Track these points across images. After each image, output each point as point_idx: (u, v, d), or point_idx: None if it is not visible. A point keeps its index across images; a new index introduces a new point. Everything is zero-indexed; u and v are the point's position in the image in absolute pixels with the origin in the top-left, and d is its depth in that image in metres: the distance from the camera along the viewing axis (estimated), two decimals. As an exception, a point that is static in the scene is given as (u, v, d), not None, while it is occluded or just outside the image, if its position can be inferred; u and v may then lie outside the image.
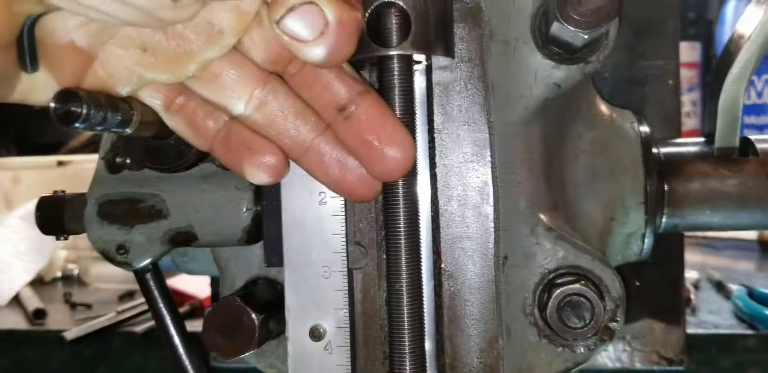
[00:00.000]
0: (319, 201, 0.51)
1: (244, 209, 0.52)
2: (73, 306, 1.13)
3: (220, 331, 0.49)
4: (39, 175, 1.51)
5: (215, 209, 0.52)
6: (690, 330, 0.84)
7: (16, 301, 1.16)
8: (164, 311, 0.58)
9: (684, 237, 0.80)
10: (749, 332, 0.90)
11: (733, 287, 1.07)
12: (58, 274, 1.35)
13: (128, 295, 1.17)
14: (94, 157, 0.56)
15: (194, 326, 0.97)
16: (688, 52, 1.89)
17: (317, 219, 0.51)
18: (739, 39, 0.67)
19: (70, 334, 0.93)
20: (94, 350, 0.99)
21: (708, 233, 1.52)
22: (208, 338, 0.49)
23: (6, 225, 1.27)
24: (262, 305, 0.51)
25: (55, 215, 0.55)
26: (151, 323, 0.96)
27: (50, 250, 1.25)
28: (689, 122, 1.82)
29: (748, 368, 0.89)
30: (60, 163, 1.51)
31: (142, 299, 1.07)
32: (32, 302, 1.11)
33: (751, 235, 1.44)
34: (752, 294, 1.01)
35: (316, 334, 0.51)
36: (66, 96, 0.39)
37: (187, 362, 0.55)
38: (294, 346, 0.51)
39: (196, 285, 1.05)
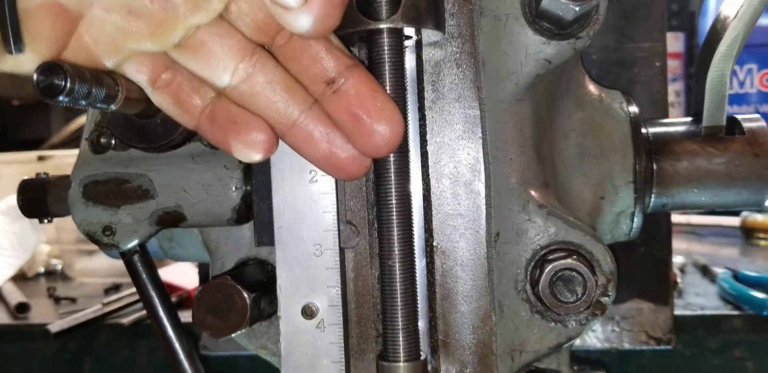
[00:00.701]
0: (310, 179, 0.51)
1: (234, 188, 0.51)
2: (57, 300, 1.11)
3: (212, 310, 0.48)
4: (19, 170, 1.49)
5: (204, 189, 0.51)
6: (677, 312, 0.85)
7: (-1, 296, 1.15)
8: (154, 296, 0.57)
9: (671, 219, 0.81)
10: (735, 312, 0.91)
11: (719, 271, 1.08)
12: (41, 269, 1.33)
13: (114, 288, 1.16)
14: (75, 152, 0.55)
15: (184, 316, 0.97)
16: (672, 42, 1.91)
17: (308, 197, 0.51)
18: (724, 19, 0.67)
19: (55, 327, 0.92)
20: (79, 343, 0.97)
21: (693, 220, 1.53)
22: (199, 318, 0.48)
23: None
24: (253, 285, 0.50)
25: (37, 198, 0.54)
26: (139, 313, 0.95)
27: (33, 245, 1.24)
28: (673, 112, 1.83)
29: (733, 347, 0.90)
30: (40, 158, 1.49)
31: (129, 291, 1.07)
32: (15, 296, 1.09)
33: (734, 221, 1.46)
34: (737, 277, 1.02)
35: (308, 312, 0.50)
36: (50, 69, 0.39)
37: (177, 346, 0.54)
38: (286, 324, 0.50)
39: (184, 276, 1.04)
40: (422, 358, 0.48)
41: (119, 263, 0.58)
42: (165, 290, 0.58)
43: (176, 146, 0.51)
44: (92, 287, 1.20)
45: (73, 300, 1.10)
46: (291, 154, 0.51)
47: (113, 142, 0.53)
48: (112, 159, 0.53)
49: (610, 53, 0.80)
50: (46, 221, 0.55)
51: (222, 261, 0.55)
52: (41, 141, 2.15)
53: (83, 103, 0.41)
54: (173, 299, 1.01)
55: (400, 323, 0.47)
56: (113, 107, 0.44)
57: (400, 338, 0.47)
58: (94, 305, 1.02)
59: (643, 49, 0.81)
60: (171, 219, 0.52)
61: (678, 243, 1.38)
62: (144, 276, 0.56)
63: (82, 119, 2.16)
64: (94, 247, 1.25)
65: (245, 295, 0.48)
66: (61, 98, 0.39)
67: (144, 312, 0.95)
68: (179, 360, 0.56)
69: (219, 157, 0.52)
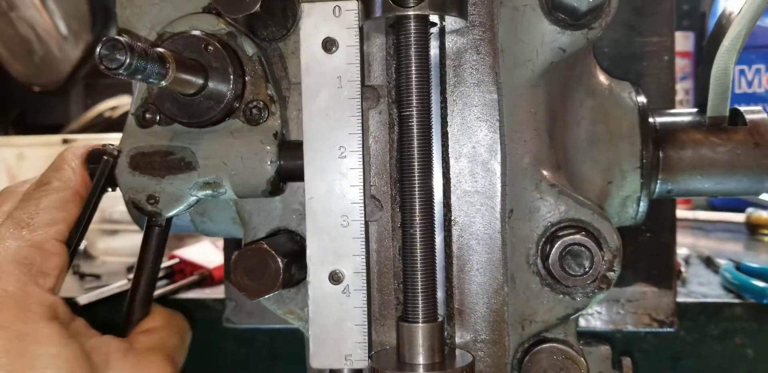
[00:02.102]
0: (339, 155, 0.55)
1: (269, 162, 0.55)
2: (82, 276, 1.15)
3: (248, 272, 0.52)
4: (44, 152, 1.53)
5: (242, 162, 0.55)
6: (680, 299, 0.88)
7: (25, 272, 1.19)
8: (148, 264, 0.60)
9: (676, 205, 0.84)
10: (736, 300, 0.94)
11: (722, 262, 1.11)
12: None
13: (136, 266, 1.19)
14: (100, 136, 0.59)
15: (204, 293, 1.01)
16: (682, 41, 1.93)
17: (337, 171, 0.55)
18: (729, 15, 0.70)
19: (83, 299, 0.96)
20: (104, 317, 1.01)
21: (699, 216, 1.56)
22: (236, 279, 0.52)
23: (14, 200, 1.29)
24: (284, 252, 0.54)
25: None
26: (163, 289, 0.99)
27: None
28: (682, 110, 1.85)
29: (734, 335, 0.93)
30: (65, 142, 1.53)
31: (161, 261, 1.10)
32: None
33: (740, 217, 1.48)
34: (740, 268, 1.05)
35: (335, 278, 0.54)
36: (114, 44, 0.43)
37: (135, 305, 0.59)
38: (314, 289, 0.54)
39: (205, 256, 1.07)
40: (439, 320, 0.52)
41: (140, 243, 0.61)
42: (159, 264, 0.62)
43: (217, 122, 0.56)
44: (115, 265, 1.24)
45: (97, 277, 1.14)
46: (322, 131, 0.55)
47: (158, 117, 0.57)
48: (157, 133, 0.57)
49: (621, 47, 0.83)
50: (109, 189, 0.59)
51: (254, 231, 0.59)
52: (60, 127, 2.20)
53: (139, 77, 0.45)
54: (194, 277, 1.05)
55: (419, 287, 0.51)
56: (163, 83, 0.48)
57: (419, 301, 0.51)
58: (118, 281, 1.06)
59: (652, 44, 0.84)
60: (211, 189, 0.56)
61: (684, 238, 1.41)
62: (152, 246, 0.60)
63: (100, 106, 2.21)
64: (116, 226, 1.30)
65: (279, 259, 0.51)
66: (120, 71, 0.43)
67: (168, 287, 1.00)
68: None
69: (256, 132, 0.56)
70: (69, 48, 2.24)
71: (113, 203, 1.32)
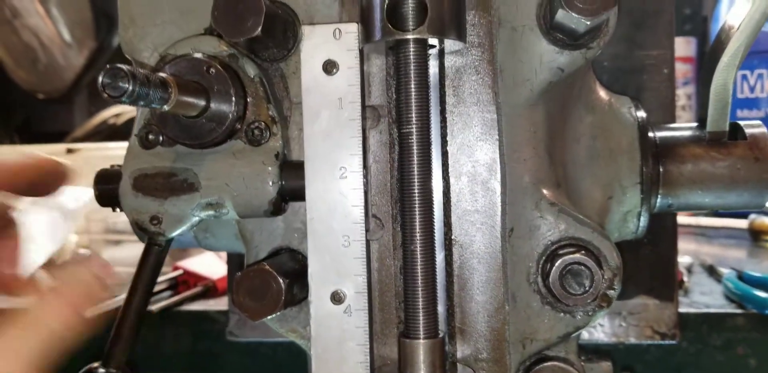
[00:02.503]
0: (340, 175, 0.55)
1: (271, 183, 0.56)
2: (88, 287, 1.16)
3: (250, 294, 0.52)
4: (48, 162, 1.54)
5: (244, 183, 0.56)
6: (682, 309, 0.88)
7: (30, 283, 1.19)
8: (143, 282, 0.61)
9: (677, 218, 0.85)
10: (739, 311, 0.94)
11: (724, 271, 1.11)
12: (68, 258, 1.38)
13: (140, 277, 1.20)
14: (104, 145, 0.59)
15: (208, 305, 1.01)
16: (684, 46, 1.93)
17: (338, 192, 0.55)
18: (729, 29, 0.71)
19: (88, 311, 0.97)
20: (107, 329, 1.02)
21: (701, 222, 1.57)
22: (238, 301, 0.53)
23: (17, 209, 1.30)
24: (286, 272, 0.54)
25: (111, 188, 0.59)
26: (167, 301, 1.00)
27: (64, 234, 1.29)
28: (685, 115, 1.86)
29: (737, 345, 0.93)
30: (69, 151, 1.54)
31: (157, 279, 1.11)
32: (46, 282, 1.14)
33: (742, 224, 1.49)
34: (742, 277, 1.05)
35: (336, 298, 0.55)
36: (115, 72, 0.43)
37: (125, 327, 0.59)
38: (316, 309, 0.55)
39: (209, 267, 1.08)
40: (440, 336, 0.52)
41: None
42: (154, 283, 0.62)
43: (219, 143, 0.56)
44: (119, 276, 1.24)
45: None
46: (323, 152, 0.56)
47: (161, 138, 0.57)
48: (159, 154, 0.57)
49: (621, 61, 0.84)
50: (118, 210, 0.59)
51: (257, 250, 0.59)
52: (64, 134, 2.21)
53: (141, 103, 0.46)
54: (198, 288, 1.06)
55: (420, 303, 0.51)
56: (165, 108, 0.48)
57: (421, 317, 0.52)
58: (122, 292, 1.07)
59: (652, 57, 0.85)
60: (214, 210, 0.56)
61: (686, 244, 1.41)
62: (150, 265, 0.60)
63: (104, 113, 2.22)
64: (120, 237, 1.30)
65: (280, 280, 0.52)
66: (124, 99, 0.44)
67: (172, 299, 1.00)
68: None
69: (258, 153, 0.57)
70: (73, 55, 2.25)
71: (117, 213, 1.32)
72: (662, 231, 0.82)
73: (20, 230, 0.57)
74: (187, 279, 1.07)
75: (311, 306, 0.55)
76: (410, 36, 0.51)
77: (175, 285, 1.07)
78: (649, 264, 0.83)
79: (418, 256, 0.52)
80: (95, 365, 0.58)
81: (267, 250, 0.59)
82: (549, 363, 0.56)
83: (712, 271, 1.16)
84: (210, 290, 1.05)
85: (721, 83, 0.70)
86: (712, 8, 2.13)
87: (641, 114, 0.69)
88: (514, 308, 0.57)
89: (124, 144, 0.60)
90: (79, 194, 1.31)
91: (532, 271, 0.58)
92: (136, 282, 0.58)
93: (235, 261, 0.88)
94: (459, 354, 0.56)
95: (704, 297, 1.02)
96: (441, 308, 0.56)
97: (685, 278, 1.09)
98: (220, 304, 1.01)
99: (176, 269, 1.09)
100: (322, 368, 0.55)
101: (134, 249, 1.29)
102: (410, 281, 0.52)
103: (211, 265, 1.09)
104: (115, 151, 1.51)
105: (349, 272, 0.55)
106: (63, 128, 2.30)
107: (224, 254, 1.12)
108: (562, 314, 0.57)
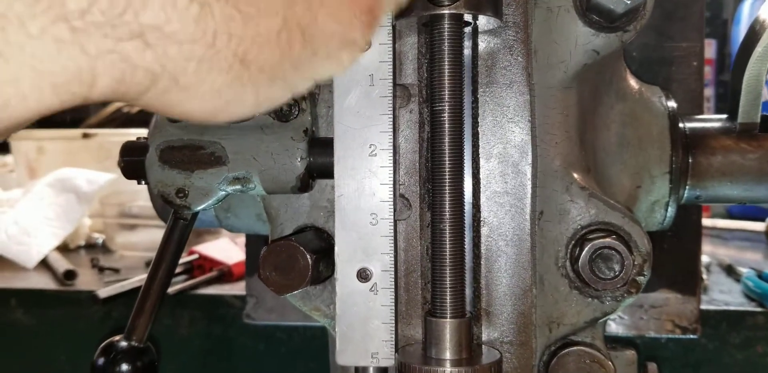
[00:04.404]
0: (370, 153, 0.55)
1: (299, 158, 0.55)
2: (101, 270, 1.16)
3: (276, 268, 0.52)
4: (63, 146, 1.54)
5: (272, 158, 0.55)
6: (702, 306, 0.87)
7: (44, 265, 1.20)
8: (168, 256, 0.59)
9: (702, 212, 0.84)
10: (758, 309, 0.93)
11: (743, 270, 1.10)
12: (82, 242, 1.38)
13: (155, 261, 1.20)
14: (120, 131, 0.58)
15: (223, 290, 1.01)
16: (704, 49, 1.92)
17: (367, 169, 0.55)
18: (763, 21, 0.70)
19: (103, 292, 0.97)
20: (124, 310, 1.02)
21: (717, 224, 1.55)
22: (264, 275, 0.52)
23: (34, 192, 1.30)
24: (312, 249, 0.54)
25: (137, 160, 0.58)
26: (183, 284, 1.00)
27: (77, 216, 1.29)
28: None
29: (756, 343, 0.92)
30: (85, 136, 1.54)
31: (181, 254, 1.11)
32: (61, 264, 1.14)
33: (759, 226, 1.47)
34: (762, 276, 1.04)
35: (363, 276, 0.54)
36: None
37: (150, 300, 0.58)
38: (342, 287, 0.54)
39: (224, 252, 1.08)
40: (467, 316, 0.52)
41: (159, 237, 0.61)
42: (179, 257, 0.61)
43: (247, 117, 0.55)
44: (133, 259, 1.24)
45: (116, 270, 1.15)
46: (352, 129, 0.55)
47: (190, 111, 0.57)
48: (187, 127, 0.57)
49: (650, 51, 0.83)
50: (143, 182, 0.58)
51: (281, 227, 0.59)
52: (80, 121, 2.21)
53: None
54: (213, 273, 1.05)
55: (448, 282, 0.51)
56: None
57: (448, 296, 0.51)
58: (137, 275, 1.07)
59: (681, 49, 0.84)
60: (241, 184, 0.56)
61: (703, 246, 1.40)
62: (175, 239, 0.59)
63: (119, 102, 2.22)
64: (135, 221, 1.30)
65: (308, 255, 0.51)
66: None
67: (187, 283, 1.00)
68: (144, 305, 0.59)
69: (286, 129, 0.56)
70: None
71: (132, 197, 1.32)
72: (687, 224, 0.81)
73: None
74: (203, 264, 1.07)
75: (337, 284, 0.54)
76: (446, 11, 0.50)
77: (191, 269, 1.07)
78: (672, 257, 0.82)
79: (447, 235, 0.51)
80: (117, 338, 0.57)
81: (292, 227, 0.58)
82: (575, 348, 0.55)
83: (730, 270, 1.15)
84: (225, 274, 1.05)
85: (754, 74, 0.69)
86: (733, 11, 2.11)
87: (671, 104, 0.69)
88: (542, 291, 0.57)
89: (140, 131, 0.59)
90: (94, 178, 1.31)
91: (561, 255, 0.57)
92: (161, 257, 0.57)
93: (254, 244, 0.87)
94: (485, 336, 0.55)
95: (723, 295, 1.01)
96: (467, 290, 0.55)
97: (704, 277, 1.08)
98: (236, 289, 1.01)
99: (191, 253, 1.09)
100: (347, 346, 0.54)
101: (149, 234, 1.29)
102: (438, 259, 0.51)
103: (226, 250, 1.09)
104: (131, 138, 1.51)
105: (376, 250, 0.54)
106: (79, 115, 2.30)
107: (240, 240, 1.12)
108: (589, 298, 0.56)
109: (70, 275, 1.08)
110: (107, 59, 0.29)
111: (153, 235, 1.26)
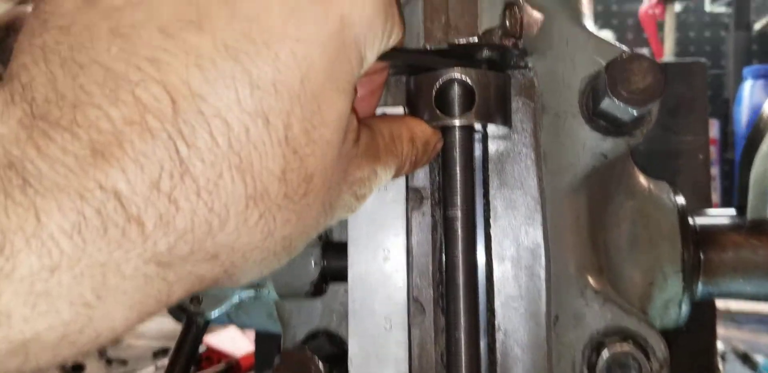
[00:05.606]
0: (383, 257, 0.55)
1: (313, 264, 0.56)
2: (109, 362, 1.14)
3: (289, 378, 0.51)
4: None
5: (287, 263, 0.55)
6: (721, 401, 0.85)
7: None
8: (180, 362, 0.59)
9: (716, 305, 0.83)
10: (780, 403, 0.91)
11: (759, 359, 1.08)
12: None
13: (162, 352, 1.19)
14: None
15: (230, 382, 0.99)
16: (706, 128, 1.95)
17: (381, 274, 0.55)
18: (767, 117, 0.72)
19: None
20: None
21: (731, 307, 1.53)
22: (278, 386, 0.51)
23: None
24: (325, 357, 0.53)
25: None
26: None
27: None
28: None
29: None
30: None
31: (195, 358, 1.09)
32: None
33: (774, 309, 1.45)
34: (780, 366, 1.02)
35: (377, 385, 0.53)
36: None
37: None
38: (356, 396, 0.53)
39: (233, 344, 1.06)
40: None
41: (167, 327, 0.61)
42: (191, 364, 0.61)
43: (263, 223, 0.56)
44: (140, 349, 1.23)
45: (124, 362, 1.13)
46: (366, 234, 0.56)
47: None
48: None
49: (656, 145, 0.84)
50: None
51: (294, 331, 0.58)
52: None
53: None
54: (221, 365, 1.03)
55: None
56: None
57: (465, 413, 0.50)
58: (145, 367, 1.05)
59: (687, 142, 0.85)
60: (255, 290, 0.56)
61: (717, 329, 1.37)
62: (188, 343, 0.59)
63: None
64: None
65: (321, 367, 0.51)
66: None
67: (195, 377, 0.98)
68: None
69: (301, 234, 0.56)
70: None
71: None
72: (700, 319, 0.80)
73: None
74: (211, 355, 1.05)
75: (351, 393, 0.53)
76: (457, 122, 0.52)
77: (199, 361, 1.05)
78: (689, 354, 0.81)
79: (463, 343, 0.51)
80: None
81: (304, 331, 0.58)
82: None
83: (746, 359, 1.13)
84: (233, 367, 1.03)
85: (761, 171, 0.70)
86: (734, 91, 2.16)
87: (680, 200, 0.69)
88: (559, 399, 0.55)
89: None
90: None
91: (578, 360, 0.56)
92: (174, 361, 0.57)
93: (263, 339, 0.86)
94: (502, 448, 0.54)
95: (742, 388, 0.99)
96: (483, 399, 0.54)
97: (720, 366, 1.05)
98: (243, 382, 0.99)
99: (199, 343, 1.08)
100: None
101: (157, 322, 1.27)
102: (454, 368, 0.50)
103: (235, 341, 1.07)
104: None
105: (389, 358, 0.53)
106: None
107: (248, 331, 1.10)
108: (608, 406, 0.55)
109: (77, 368, 1.06)
110: (184, 280, 0.33)
111: (160, 323, 1.25)
